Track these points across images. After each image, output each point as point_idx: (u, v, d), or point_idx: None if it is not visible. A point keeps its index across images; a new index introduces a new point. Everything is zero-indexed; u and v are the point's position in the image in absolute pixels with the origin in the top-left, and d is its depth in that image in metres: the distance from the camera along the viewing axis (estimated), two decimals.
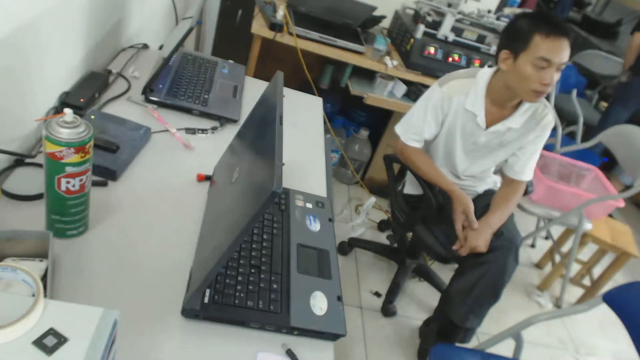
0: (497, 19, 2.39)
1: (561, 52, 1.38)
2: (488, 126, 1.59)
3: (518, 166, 1.67)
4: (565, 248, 2.53)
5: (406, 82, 2.27)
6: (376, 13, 2.26)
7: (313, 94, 1.75)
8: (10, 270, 0.60)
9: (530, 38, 1.38)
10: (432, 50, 2.20)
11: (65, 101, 1.13)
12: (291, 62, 2.18)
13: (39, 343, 0.53)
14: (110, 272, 0.82)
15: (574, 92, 2.91)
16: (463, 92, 1.57)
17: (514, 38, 1.43)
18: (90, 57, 1.28)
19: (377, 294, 2.13)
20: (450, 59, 2.22)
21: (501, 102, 1.56)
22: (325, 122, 1.63)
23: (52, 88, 1.12)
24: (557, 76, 1.41)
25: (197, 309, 0.78)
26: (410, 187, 1.89)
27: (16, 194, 0.89)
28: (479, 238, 1.55)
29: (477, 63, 2.24)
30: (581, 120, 2.92)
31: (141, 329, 0.75)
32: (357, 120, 2.79)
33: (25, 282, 0.60)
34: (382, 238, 2.46)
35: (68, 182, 0.77)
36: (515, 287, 2.47)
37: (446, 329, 1.74)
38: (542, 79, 1.39)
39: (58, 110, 1.11)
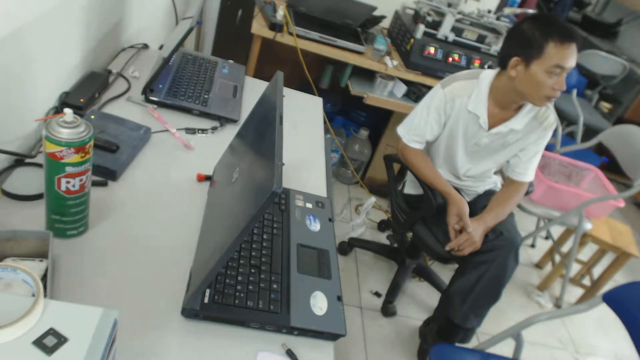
0: (497, 19, 2.39)
1: (573, 57, 1.38)
2: (490, 127, 1.58)
3: (520, 167, 1.67)
4: (565, 248, 2.53)
5: (406, 82, 2.27)
6: (376, 13, 2.26)
7: (313, 94, 1.75)
8: (10, 270, 0.60)
9: (545, 46, 1.37)
10: (432, 50, 2.20)
11: (65, 101, 1.13)
12: (291, 62, 2.18)
13: (39, 343, 0.53)
14: (110, 272, 0.82)
15: (574, 92, 2.91)
16: (466, 94, 1.57)
17: (526, 45, 1.41)
18: (90, 57, 1.28)
19: (377, 294, 2.13)
20: (450, 59, 2.22)
21: (504, 104, 1.55)
22: (325, 122, 1.63)
23: (52, 88, 1.12)
24: None
25: (197, 309, 0.78)
26: (410, 187, 1.89)
27: (16, 194, 0.89)
28: (473, 237, 1.56)
29: (477, 63, 2.24)
30: (581, 120, 2.92)
31: (141, 329, 0.75)
32: (357, 120, 2.79)
33: (25, 282, 0.60)
34: (382, 238, 2.46)
35: (68, 182, 0.77)
36: (515, 287, 2.48)
37: (446, 328, 1.74)
38: (555, 84, 1.40)
39: (58, 110, 1.11)
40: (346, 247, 2.27)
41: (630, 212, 3.66)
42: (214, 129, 1.29)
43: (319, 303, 0.86)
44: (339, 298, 0.89)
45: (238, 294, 0.82)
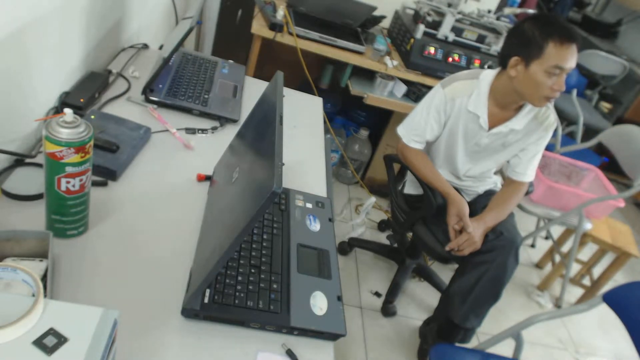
0: (497, 19, 2.39)
1: (573, 58, 1.38)
2: (490, 127, 1.58)
3: (520, 167, 1.67)
4: (565, 248, 2.53)
5: (406, 82, 2.27)
6: (376, 13, 2.26)
7: (313, 94, 1.75)
8: (10, 270, 0.60)
9: (544, 46, 1.37)
10: (432, 50, 2.20)
11: (65, 101, 1.13)
12: (291, 62, 2.18)
13: (39, 343, 0.53)
14: (110, 272, 0.82)
15: (574, 92, 2.91)
16: (466, 94, 1.57)
17: (525, 45, 1.41)
18: (90, 57, 1.28)
19: (377, 294, 2.13)
20: (450, 59, 2.22)
21: (504, 104, 1.55)
22: (325, 122, 1.63)
23: (52, 88, 1.12)
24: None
25: (197, 309, 0.78)
26: (411, 187, 1.89)
27: (16, 194, 0.89)
28: (473, 237, 1.56)
29: (477, 63, 2.24)
30: (581, 120, 2.92)
31: (141, 329, 0.75)
32: (357, 120, 2.79)
33: (25, 282, 0.60)
34: (382, 238, 2.46)
35: (68, 182, 0.77)
36: (515, 287, 2.48)
37: (446, 328, 1.74)
38: (554, 85, 1.39)
39: (58, 110, 1.11)
40: (346, 247, 2.27)
41: (630, 212, 3.66)
42: (214, 129, 1.29)
43: (319, 303, 0.86)
44: (339, 298, 0.89)
45: (238, 294, 0.82)
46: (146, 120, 1.21)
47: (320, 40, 2.14)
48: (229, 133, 1.26)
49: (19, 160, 0.97)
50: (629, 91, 3.74)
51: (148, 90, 1.27)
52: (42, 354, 0.52)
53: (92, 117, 1.11)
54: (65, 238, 0.84)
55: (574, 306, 1.52)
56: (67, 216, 0.82)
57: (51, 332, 0.54)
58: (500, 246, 1.57)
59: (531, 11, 2.61)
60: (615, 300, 1.31)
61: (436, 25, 2.21)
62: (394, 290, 2.07)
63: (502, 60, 1.51)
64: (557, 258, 2.57)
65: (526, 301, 2.44)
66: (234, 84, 1.49)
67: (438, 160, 1.76)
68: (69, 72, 1.18)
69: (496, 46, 2.25)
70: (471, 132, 1.61)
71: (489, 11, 2.47)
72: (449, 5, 2.39)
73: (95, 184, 0.96)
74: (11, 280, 0.61)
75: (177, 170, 1.10)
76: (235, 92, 1.46)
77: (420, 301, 2.18)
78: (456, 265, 1.76)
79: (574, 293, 2.59)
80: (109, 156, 1.02)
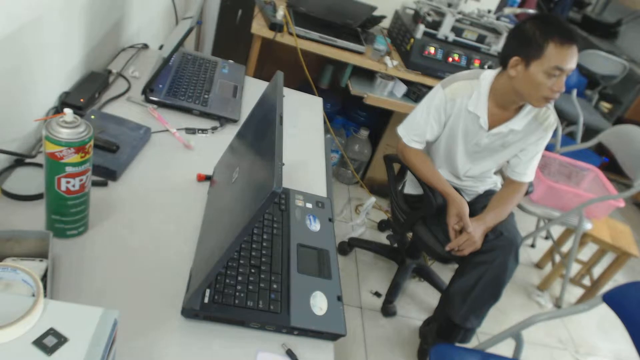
0: (497, 19, 2.39)
1: (573, 59, 1.38)
2: (490, 128, 1.58)
3: (520, 168, 1.67)
4: (565, 248, 2.53)
5: (406, 82, 2.27)
6: (376, 13, 2.26)
7: (313, 94, 1.75)
8: (10, 270, 0.60)
9: (544, 47, 1.37)
10: (432, 50, 2.20)
11: (65, 101, 1.13)
12: (291, 62, 2.18)
13: (39, 343, 0.53)
14: (110, 272, 0.82)
15: (574, 92, 2.91)
16: (466, 94, 1.57)
17: (526, 45, 1.41)
18: (90, 57, 1.28)
19: (377, 294, 2.13)
20: (450, 59, 2.22)
21: (504, 104, 1.55)
22: (325, 122, 1.63)
23: (52, 88, 1.12)
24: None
25: (197, 309, 0.78)
26: (411, 187, 1.89)
27: (16, 194, 0.89)
28: (473, 237, 1.56)
29: (477, 63, 2.24)
30: (581, 120, 2.92)
31: (141, 329, 0.75)
32: (357, 120, 2.79)
33: (25, 282, 0.60)
34: (382, 238, 2.46)
35: (68, 182, 0.77)
36: (515, 287, 2.48)
37: (446, 328, 1.74)
38: (554, 86, 1.39)
39: (58, 110, 1.11)
40: (346, 247, 2.27)
41: (630, 212, 3.66)
42: (214, 129, 1.29)
43: (319, 303, 0.86)
44: (339, 298, 0.89)
45: (238, 294, 0.82)
46: (146, 120, 1.21)
47: (320, 40, 2.14)
48: (229, 133, 1.26)
49: (19, 160, 0.97)
50: (629, 91, 3.74)
51: (148, 90, 1.27)
52: (42, 354, 0.52)
53: (92, 117, 1.11)
54: (65, 238, 0.84)
55: (574, 306, 1.52)
56: (67, 216, 0.82)
57: (51, 332, 0.54)
58: (500, 246, 1.57)
59: (531, 11, 2.61)
60: (615, 300, 1.31)
61: (436, 25, 2.21)
62: (394, 290, 2.07)
63: (502, 60, 1.51)
64: (557, 258, 2.57)
65: (526, 301, 2.44)
66: (234, 84, 1.49)
67: (438, 160, 1.76)
68: (69, 72, 1.18)
69: (496, 46, 2.25)
70: (471, 132, 1.61)
71: (489, 11, 2.47)
72: (449, 5, 2.39)
73: (95, 184, 0.96)
74: (11, 280, 0.61)
75: (177, 170, 1.10)
76: (235, 92, 1.46)
77: (420, 301, 2.18)
78: (456, 265, 1.76)
79: (574, 293, 2.59)
80: (109, 156, 1.02)
